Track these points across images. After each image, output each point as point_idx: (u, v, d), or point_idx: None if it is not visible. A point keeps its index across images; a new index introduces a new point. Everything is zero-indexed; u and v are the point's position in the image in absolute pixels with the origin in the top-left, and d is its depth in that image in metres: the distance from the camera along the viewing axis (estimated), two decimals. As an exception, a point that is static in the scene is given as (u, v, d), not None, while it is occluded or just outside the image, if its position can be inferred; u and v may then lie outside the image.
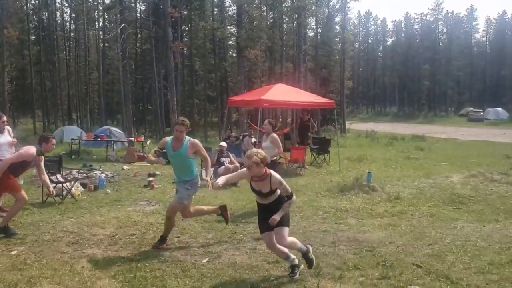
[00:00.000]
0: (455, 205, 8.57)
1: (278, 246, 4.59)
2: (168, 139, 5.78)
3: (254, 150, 4.61)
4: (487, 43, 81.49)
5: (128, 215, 7.54)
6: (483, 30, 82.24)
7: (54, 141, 6.47)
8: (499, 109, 62.41)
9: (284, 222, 4.56)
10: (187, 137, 5.71)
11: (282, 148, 8.39)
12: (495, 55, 73.71)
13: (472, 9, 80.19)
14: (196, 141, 5.79)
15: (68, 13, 48.52)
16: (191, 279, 4.61)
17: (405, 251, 5.48)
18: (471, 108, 63.92)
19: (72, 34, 49.26)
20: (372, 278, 4.57)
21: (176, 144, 5.65)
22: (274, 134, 8.18)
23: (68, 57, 48.34)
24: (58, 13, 47.33)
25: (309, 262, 4.71)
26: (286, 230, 4.60)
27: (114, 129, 23.12)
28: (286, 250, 4.66)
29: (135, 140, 17.80)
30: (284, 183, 4.56)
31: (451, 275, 4.61)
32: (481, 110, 61.75)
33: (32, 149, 6.21)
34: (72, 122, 42.73)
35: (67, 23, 48.82)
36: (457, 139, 29.94)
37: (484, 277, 4.61)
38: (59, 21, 47.64)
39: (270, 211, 4.55)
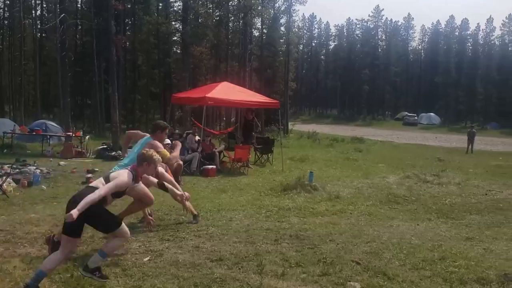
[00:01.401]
0: (391, 205, 8.97)
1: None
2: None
3: None
4: (422, 51, 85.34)
5: (65, 212, 7.20)
6: (418, 39, 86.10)
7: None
8: (432, 114, 66.11)
9: None
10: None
11: None
12: (429, 63, 77.33)
13: (409, 17, 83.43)
14: None
15: (2, -1, 45.76)
16: (132, 278, 4.48)
17: (345, 249, 5.63)
18: (406, 113, 67.14)
19: (6, 22, 46.46)
20: (314, 275, 4.66)
21: None
22: None
23: (1, 46, 45.55)
24: (-10, -2, 44.48)
25: None
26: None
27: (51, 123, 22.05)
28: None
29: (73, 135, 17.14)
30: None
31: (388, 271, 4.78)
32: (415, 114, 65.01)
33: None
34: (4, 115, 40.29)
35: (1, 10, 46.00)
36: (393, 142, 31.27)
37: (418, 273, 4.82)
38: (-9, 7, 44.83)
39: None
